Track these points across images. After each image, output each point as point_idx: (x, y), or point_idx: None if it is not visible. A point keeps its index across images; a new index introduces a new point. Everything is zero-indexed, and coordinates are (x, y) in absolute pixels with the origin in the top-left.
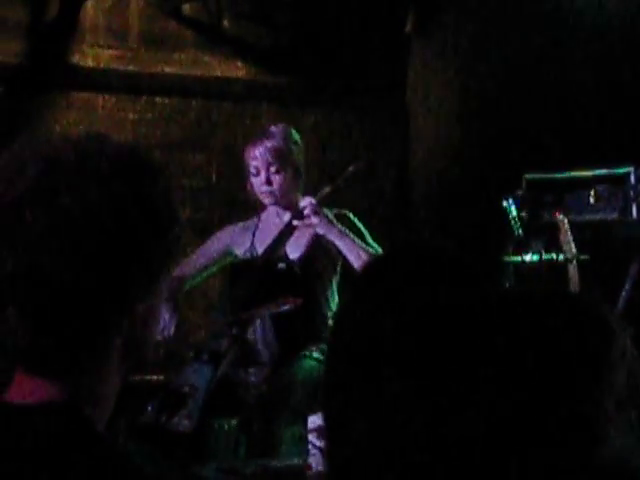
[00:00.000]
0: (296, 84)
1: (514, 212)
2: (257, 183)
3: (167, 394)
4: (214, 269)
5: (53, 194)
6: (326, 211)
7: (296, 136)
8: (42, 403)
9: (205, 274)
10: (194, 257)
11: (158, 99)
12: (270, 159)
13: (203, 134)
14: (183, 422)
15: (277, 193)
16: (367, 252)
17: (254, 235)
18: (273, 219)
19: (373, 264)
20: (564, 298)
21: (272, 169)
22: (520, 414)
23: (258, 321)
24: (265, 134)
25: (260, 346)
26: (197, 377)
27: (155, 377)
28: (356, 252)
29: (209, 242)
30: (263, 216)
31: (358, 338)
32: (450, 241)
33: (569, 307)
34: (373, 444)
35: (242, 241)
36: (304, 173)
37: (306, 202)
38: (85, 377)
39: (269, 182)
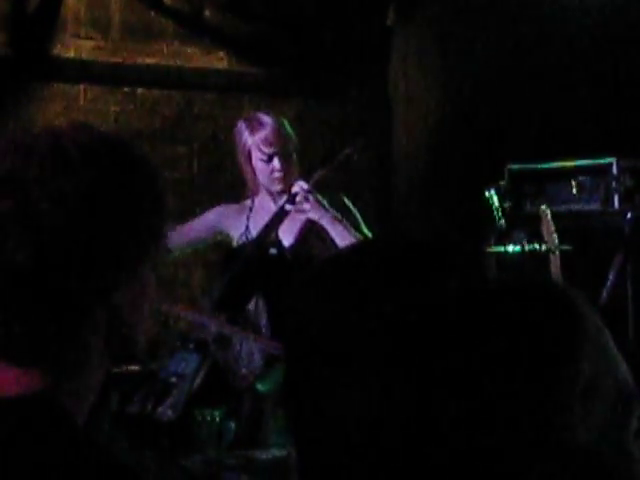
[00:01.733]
0: (278, 75)
1: (496, 203)
2: (267, 169)
3: (153, 383)
4: (200, 245)
5: (23, 184)
6: (320, 197)
7: (287, 122)
8: (19, 395)
9: (189, 249)
10: (182, 229)
11: (140, 90)
12: (284, 143)
13: (185, 125)
14: (167, 412)
15: (290, 178)
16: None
17: (248, 219)
18: (268, 203)
19: (346, 255)
20: (534, 287)
21: (285, 154)
22: (487, 404)
23: (251, 309)
24: (267, 119)
25: (252, 336)
26: (183, 366)
27: (141, 367)
28: (348, 240)
29: (199, 218)
30: (257, 200)
31: (325, 335)
32: (432, 231)
33: (537, 296)
34: (340, 442)
35: (237, 224)
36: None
37: (298, 187)
38: (64, 368)
39: (284, 168)
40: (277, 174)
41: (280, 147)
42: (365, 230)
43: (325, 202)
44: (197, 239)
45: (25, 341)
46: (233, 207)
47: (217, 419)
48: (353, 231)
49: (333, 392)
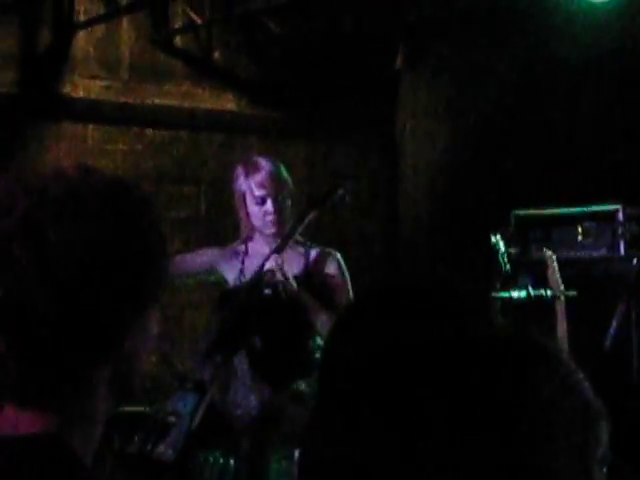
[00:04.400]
0: (286, 117)
1: (502, 248)
2: (260, 212)
3: (152, 423)
4: (190, 281)
5: (41, 229)
6: (289, 276)
7: (283, 166)
8: (30, 435)
9: (179, 282)
10: (178, 260)
11: (148, 130)
12: (278, 187)
13: (192, 166)
14: (167, 451)
15: (283, 222)
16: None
17: (243, 262)
18: (262, 247)
19: (357, 300)
20: (514, 339)
21: (279, 197)
22: (470, 450)
23: (247, 349)
24: (263, 162)
25: (247, 379)
26: (182, 406)
27: (141, 407)
28: (323, 320)
29: (192, 254)
30: (251, 244)
31: (338, 372)
32: (438, 277)
33: (517, 349)
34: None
35: (231, 266)
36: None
37: (271, 263)
38: (73, 409)
39: (278, 210)
40: (269, 217)
41: (274, 190)
42: (349, 293)
43: (293, 281)
44: (192, 272)
45: (37, 383)
46: (228, 250)
47: (220, 460)
48: (330, 312)
49: (333, 431)
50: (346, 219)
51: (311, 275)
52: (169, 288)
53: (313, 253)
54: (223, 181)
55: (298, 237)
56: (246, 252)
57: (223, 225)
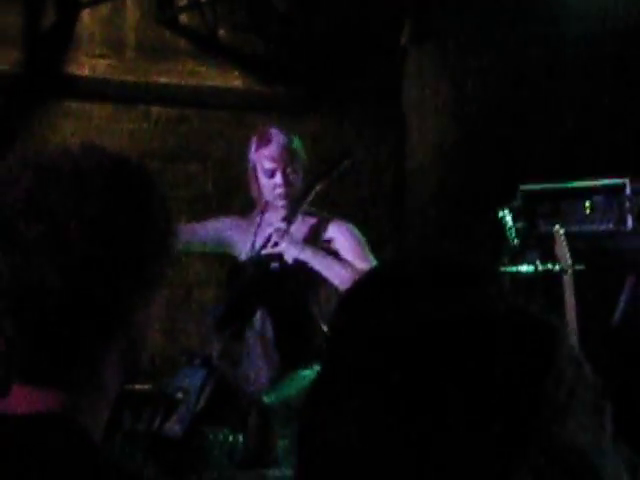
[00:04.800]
0: (292, 93)
1: (510, 222)
2: (270, 185)
3: (159, 400)
4: (199, 248)
5: (46, 205)
6: (294, 237)
7: (296, 137)
8: (39, 414)
9: (192, 247)
10: (186, 227)
11: (154, 109)
12: (288, 159)
13: (199, 144)
14: (174, 428)
15: (293, 194)
16: (350, 270)
17: (256, 234)
18: (274, 220)
19: (362, 279)
20: (517, 315)
21: (289, 169)
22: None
23: (256, 323)
24: (275, 135)
25: (258, 354)
26: (189, 382)
27: (149, 385)
28: (336, 271)
29: (207, 222)
30: (265, 216)
31: (344, 348)
32: (445, 251)
33: (520, 324)
34: (350, 459)
35: (244, 239)
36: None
37: (275, 228)
38: (83, 387)
39: (287, 183)
40: (278, 190)
41: (284, 163)
42: (369, 258)
43: (299, 242)
44: (199, 240)
45: (46, 361)
46: (243, 222)
47: (230, 438)
48: (342, 264)
49: (340, 411)
50: (351, 191)
51: (322, 246)
52: (177, 265)
53: (325, 224)
54: (230, 159)
55: (309, 208)
56: (259, 224)
57: (230, 203)
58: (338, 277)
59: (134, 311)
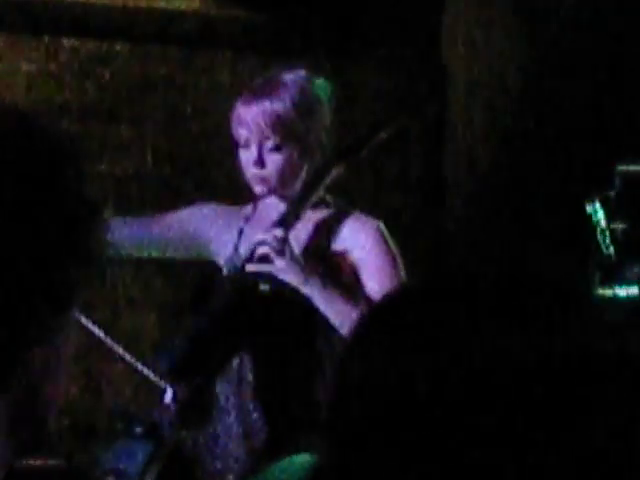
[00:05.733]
0: (280, 23)
1: (603, 222)
2: (244, 160)
3: None
4: (160, 250)
5: None
6: (297, 256)
7: (321, 90)
8: None
9: (147, 249)
10: (141, 221)
11: (67, 41)
12: (266, 129)
13: (134, 96)
14: None
15: (273, 180)
16: (355, 309)
17: (241, 234)
18: (273, 212)
19: (385, 303)
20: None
21: (268, 144)
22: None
23: (233, 372)
24: (270, 86)
25: (232, 416)
26: (127, 461)
27: (58, 461)
28: (344, 314)
29: (172, 213)
30: (260, 207)
31: (356, 397)
32: (500, 264)
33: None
34: None
35: (224, 238)
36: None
37: (267, 236)
38: None
39: (262, 162)
40: (252, 169)
41: (262, 129)
42: (393, 279)
43: (300, 261)
44: (159, 238)
45: None
46: (226, 211)
47: None
48: (350, 304)
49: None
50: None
51: (335, 250)
52: (101, 276)
53: (340, 221)
54: (183, 119)
55: (326, 197)
56: (249, 219)
57: (179, 186)
58: (342, 322)
59: (32, 344)
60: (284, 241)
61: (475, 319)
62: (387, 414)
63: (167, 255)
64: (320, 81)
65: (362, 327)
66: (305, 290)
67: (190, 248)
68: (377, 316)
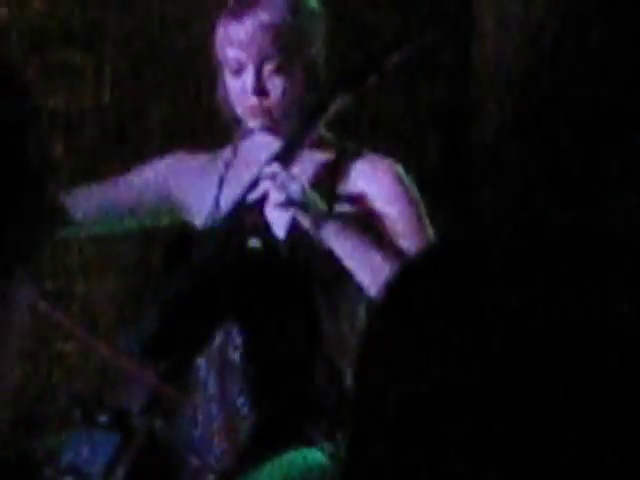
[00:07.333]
0: None
1: None
2: (237, 89)
3: None
4: (139, 218)
5: None
6: (310, 192)
7: (313, 2)
8: None
9: (122, 221)
10: (107, 187)
11: None
12: (267, 47)
13: (89, 14)
14: None
15: (275, 110)
16: (389, 258)
17: (222, 183)
18: (261, 154)
19: (411, 266)
20: None
21: (269, 66)
22: None
23: (215, 347)
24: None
25: (214, 402)
26: (88, 455)
27: (6, 453)
28: (374, 262)
29: (142, 169)
30: (243, 149)
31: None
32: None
33: None
34: None
35: (201, 195)
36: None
37: (269, 170)
38: None
39: (262, 90)
40: (250, 99)
41: (258, 50)
42: (418, 229)
43: (316, 198)
44: (136, 205)
45: None
46: (198, 160)
47: None
48: (384, 242)
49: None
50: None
51: (343, 208)
52: (63, 242)
53: (348, 164)
54: (149, 41)
55: (326, 134)
56: (229, 166)
57: (149, 125)
58: (374, 273)
59: None
60: (290, 177)
61: (546, 278)
62: (439, 403)
63: (133, 226)
64: None
65: (402, 285)
66: (322, 234)
67: (160, 214)
68: (422, 273)
